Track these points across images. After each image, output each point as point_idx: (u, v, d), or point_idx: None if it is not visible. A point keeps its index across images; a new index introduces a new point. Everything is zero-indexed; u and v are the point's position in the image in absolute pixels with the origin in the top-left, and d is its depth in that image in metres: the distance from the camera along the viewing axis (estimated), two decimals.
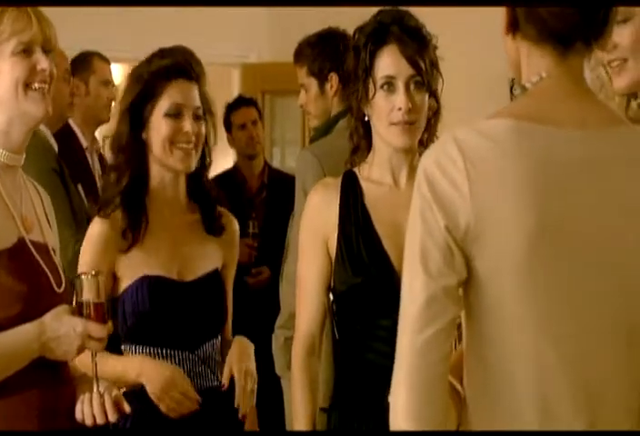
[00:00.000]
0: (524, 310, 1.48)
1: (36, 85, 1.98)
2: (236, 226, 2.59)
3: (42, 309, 1.93)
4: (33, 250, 1.99)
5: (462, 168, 1.47)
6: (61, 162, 3.40)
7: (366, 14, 2.30)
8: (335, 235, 2.26)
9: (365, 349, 2.24)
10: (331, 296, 2.31)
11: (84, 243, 2.38)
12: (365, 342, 2.24)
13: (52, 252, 2.06)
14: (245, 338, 2.47)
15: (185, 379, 2.33)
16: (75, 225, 3.19)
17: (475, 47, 4.40)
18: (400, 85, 2.21)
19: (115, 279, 2.38)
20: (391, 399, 1.50)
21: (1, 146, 2.01)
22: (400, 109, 2.20)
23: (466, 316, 1.53)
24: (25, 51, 1.97)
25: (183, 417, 2.33)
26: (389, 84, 2.21)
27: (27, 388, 1.93)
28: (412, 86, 2.21)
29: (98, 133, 4.14)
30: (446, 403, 1.51)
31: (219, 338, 2.49)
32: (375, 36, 2.22)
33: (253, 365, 2.40)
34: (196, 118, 2.40)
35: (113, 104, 3.95)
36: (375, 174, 2.30)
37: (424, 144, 2.29)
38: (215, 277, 2.47)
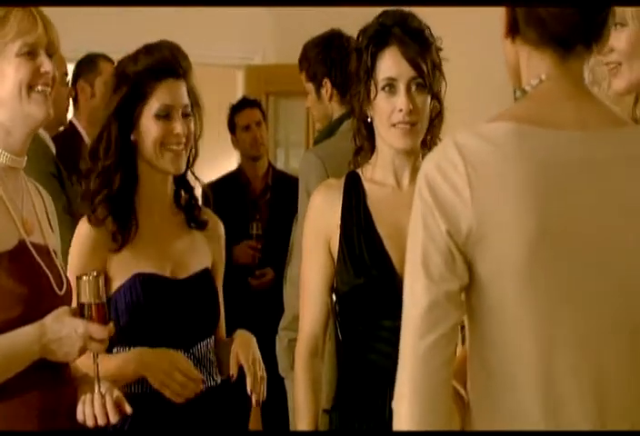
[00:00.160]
0: (525, 312, 1.48)
1: (39, 88, 1.98)
2: (221, 226, 2.57)
3: (43, 311, 1.93)
4: (34, 252, 1.99)
5: (463, 172, 1.48)
6: (59, 165, 3.40)
7: (372, 14, 2.30)
8: (338, 236, 2.26)
9: (367, 349, 2.25)
10: (334, 297, 2.31)
11: (72, 245, 2.35)
12: (367, 343, 2.24)
13: (53, 254, 2.06)
14: (245, 330, 2.46)
15: (186, 360, 2.32)
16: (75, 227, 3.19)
17: (479, 49, 4.40)
18: (401, 87, 2.21)
19: (106, 279, 2.35)
20: (394, 404, 1.50)
21: (2, 148, 2.01)
22: (401, 111, 2.20)
23: (468, 319, 1.54)
24: (30, 53, 1.97)
25: (180, 414, 2.31)
26: (390, 85, 2.21)
27: (28, 389, 1.93)
28: (413, 88, 2.22)
29: None
30: (450, 408, 1.51)
31: (213, 338, 2.47)
32: (377, 38, 2.22)
33: (259, 354, 2.39)
34: (185, 116, 2.38)
35: None
36: (377, 175, 2.31)
37: (427, 146, 2.29)
38: (206, 275, 2.46)
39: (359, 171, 2.33)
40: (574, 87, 1.56)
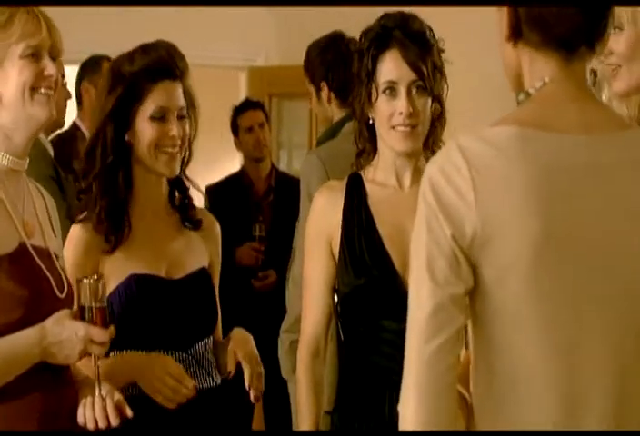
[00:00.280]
0: (529, 315, 1.48)
1: (42, 90, 1.98)
2: (218, 226, 2.55)
3: (43, 314, 1.93)
4: (34, 255, 1.99)
5: (467, 176, 1.47)
6: (57, 167, 3.40)
7: (375, 15, 2.29)
8: (339, 237, 2.26)
9: (369, 351, 2.25)
10: (336, 298, 2.31)
11: (65, 248, 2.30)
12: (369, 344, 2.25)
13: (54, 257, 2.06)
14: (243, 329, 2.44)
15: (178, 365, 2.29)
16: None
17: (482, 50, 4.39)
18: (402, 90, 2.21)
19: None
20: (400, 408, 1.50)
21: (4, 150, 2.01)
22: (401, 113, 2.20)
23: (472, 323, 1.53)
24: (34, 55, 1.97)
25: (180, 416, 2.30)
26: (391, 88, 2.22)
27: (29, 391, 1.93)
28: (414, 91, 2.22)
29: None
30: (455, 412, 1.51)
31: (211, 338, 2.45)
32: (378, 41, 2.22)
33: (256, 350, 2.37)
34: (181, 118, 2.36)
35: None
36: (379, 177, 2.31)
37: (429, 148, 2.29)
38: (203, 275, 2.44)
39: (361, 172, 2.33)
40: (577, 89, 1.56)
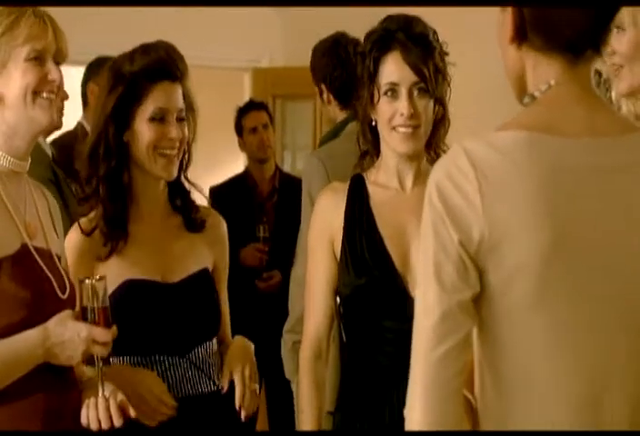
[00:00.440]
0: (537, 318, 1.47)
1: (45, 95, 1.98)
2: (224, 225, 2.51)
3: (46, 315, 1.93)
4: (36, 256, 1.99)
5: (473, 180, 1.46)
6: (56, 170, 3.40)
7: (380, 15, 2.29)
8: (341, 238, 2.27)
9: (371, 351, 2.25)
10: (338, 299, 2.31)
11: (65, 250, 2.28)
12: (371, 345, 2.25)
13: (56, 259, 2.06)
14: (243, 338, 2.41)
15: (159, 383, 2.26)
16: None
17: (486, 53, 4.39)
18: (403, 92, 2.21)
19: None
20: (406, 412, 1.50)
21: (5, 152, 2.01)
22: (402, 114, 2.21)
23: (477, 328, 1.52)
24: (38, 58, 1.97)
25: (180, 418, 2.28)
26: (392, 90, 2.22)
27: (32, 392, 1.93)
28: (415, 93, 2.22)
29: None
30: (461, 417, 1.50)
31: (214, 341, 2.42)
32: (380, 43, 2.22)
33: (253, 365, 2.34)
34: (180, 120, 2.34)
35: None
36: (381, 178, 2.32)
37: (431, 149, 2.29)
38: (203, 277, 2.40)
39: (364, 174, 2.34)
40: (583, 91, 1.54)
